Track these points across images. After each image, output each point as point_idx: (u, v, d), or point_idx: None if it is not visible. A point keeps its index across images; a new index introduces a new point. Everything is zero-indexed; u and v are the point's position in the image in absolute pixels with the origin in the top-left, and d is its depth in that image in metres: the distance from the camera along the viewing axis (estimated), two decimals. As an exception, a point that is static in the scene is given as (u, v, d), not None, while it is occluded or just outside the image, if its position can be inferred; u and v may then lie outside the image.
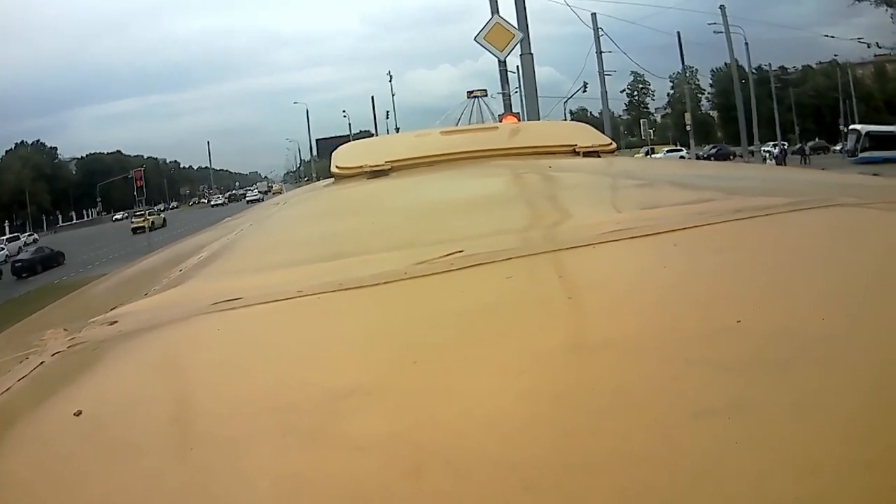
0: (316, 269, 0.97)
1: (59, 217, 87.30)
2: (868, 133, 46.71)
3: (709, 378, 0.54)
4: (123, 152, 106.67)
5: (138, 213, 56.83)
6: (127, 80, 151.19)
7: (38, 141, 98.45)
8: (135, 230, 50.21)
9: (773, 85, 54.51)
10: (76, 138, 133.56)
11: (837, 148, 50.60)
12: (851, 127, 50.56)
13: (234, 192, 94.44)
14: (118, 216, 75.00)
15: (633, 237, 0.88)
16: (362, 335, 0.72)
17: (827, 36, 67.39)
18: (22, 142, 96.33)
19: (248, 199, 62.19)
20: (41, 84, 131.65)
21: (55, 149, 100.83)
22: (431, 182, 1.90)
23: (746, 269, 0.78)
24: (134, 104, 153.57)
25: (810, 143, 62.33)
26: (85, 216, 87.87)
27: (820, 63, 72.47)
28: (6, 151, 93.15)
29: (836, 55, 67.69)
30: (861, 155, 44.29)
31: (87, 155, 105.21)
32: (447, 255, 0.86)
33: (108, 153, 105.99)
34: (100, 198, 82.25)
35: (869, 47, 56.95)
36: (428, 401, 0.57)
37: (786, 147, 46.88)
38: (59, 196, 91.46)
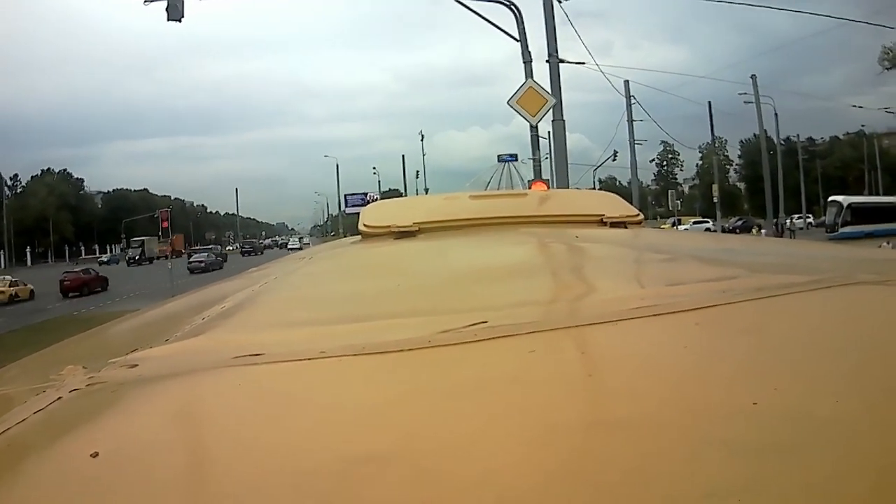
0: (339, 330, 0.96)
1: (83, 249, 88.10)
2: (850, 205, 43.72)
3: (721, 459, 0.56)
4: (150, 191, 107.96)
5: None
6: (156, 119, 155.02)
7: (64, 170, 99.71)
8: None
9: (800, 157, 54.38)
10: (102, 172, 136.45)
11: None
12: (832, 198, 46.79)
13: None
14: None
15: (655, 314, 0.89)
16: (382, 402, 0.72)
17: (855, 106, 67.68)
18: (48, 169, 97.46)
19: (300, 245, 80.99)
20: (70, 114, 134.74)
21: (81, 180, 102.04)
22: (458, 246, 1.91)
23: (765, 350, 0.79)
24: (162, 143, 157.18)
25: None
26: (109, 251, 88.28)
27: (847, 134, 72.77)
28: (31, 177, 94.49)
29: (863, 125, 67.98)
30: (841, 230, 41.06)
31: (113, 190, 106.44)
32: (471, 325, 0.86)
33: (134, 190, 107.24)
34: (124, 234, 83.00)
35: (896, 115, 56.66)
36: (444, 471, 0.57)
37: (784, 223, 45.16)
38: (82, 228, 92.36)
